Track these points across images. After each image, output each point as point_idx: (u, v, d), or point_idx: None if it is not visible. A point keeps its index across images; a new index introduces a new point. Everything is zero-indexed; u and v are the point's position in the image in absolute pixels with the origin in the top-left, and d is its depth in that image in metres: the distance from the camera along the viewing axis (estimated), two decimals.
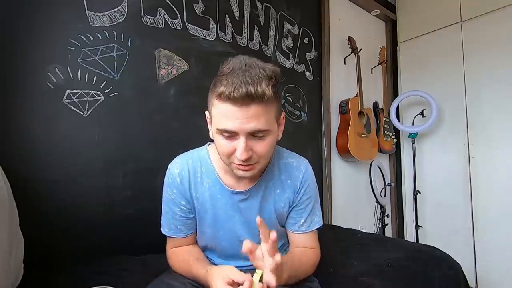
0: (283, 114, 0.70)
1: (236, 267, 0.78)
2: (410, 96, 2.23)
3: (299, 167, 0.78)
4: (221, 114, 0.59)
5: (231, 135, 0.60)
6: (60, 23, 1.07)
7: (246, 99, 0.56)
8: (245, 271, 0.78)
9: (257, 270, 0.57)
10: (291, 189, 0.77)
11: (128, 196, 1.16)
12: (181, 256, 0.75)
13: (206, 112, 0.68)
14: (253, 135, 0.60)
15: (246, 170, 0.64)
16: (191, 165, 0.76)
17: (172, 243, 0.79)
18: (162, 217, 0.79)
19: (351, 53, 2.12)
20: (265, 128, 0.60)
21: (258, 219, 0.55)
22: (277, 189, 0.77)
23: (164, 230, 0.78)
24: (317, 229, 0.80)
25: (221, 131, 0.61)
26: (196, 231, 0.80)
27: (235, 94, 0.55)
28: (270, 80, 0.59)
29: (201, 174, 0.75)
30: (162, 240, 0.81)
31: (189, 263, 0.71)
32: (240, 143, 0.60)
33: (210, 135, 0.69)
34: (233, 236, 0.77)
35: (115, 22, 1.18)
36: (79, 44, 1.10)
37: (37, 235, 0.93)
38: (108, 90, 1.15)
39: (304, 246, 0.78)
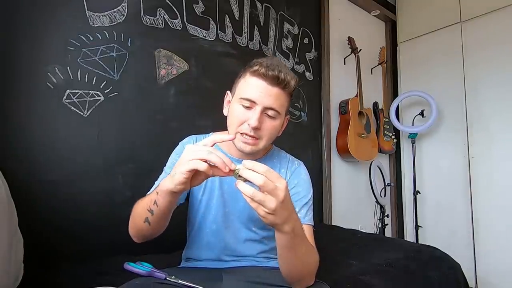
0: (288, 116, 0.81)
1: (230, 267, 0.79)
2: (410, 96, 2.23)
3: (294, 162, 0.87)
4: (250, 85, 0.71)
5: (250, 105, 0.71)
6: (60, 23, 1.07)
7: (274, 80, 0.69)
8: (238, 269, 0.77)
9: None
10: (283, 177, 0.80)
11: (128, 196, 1.16)
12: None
13: (228, 91, 0.80)
14: (266, 112, 0.71)
15: (248, 144, 0.72)
16: (198, 138, 0.87)
17: None
18: (156, 182, 0.78)
19: (351, 53, 2.12)
20: (277, 109, 0.72)
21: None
22: None
23: (148, 193, 0.75)
24: (311, 228, 0.78)
25: (244, 99, 0.71)
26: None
27: (269, 73, 0.69)
28: (295, 80, 0.73)
29: None
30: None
31: (147, 196, 0.70)
32: (255, 112, 0.70)
33: (224, 112, 0.80)
34: (222, 208, 0.80)
35: (115, 22, 1.18)
36: (79, 44, 1.10)
37: (37, 236, 0.94)
38: (108, 90, 1.15)
39: None
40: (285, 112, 0.76)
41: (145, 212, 0.64)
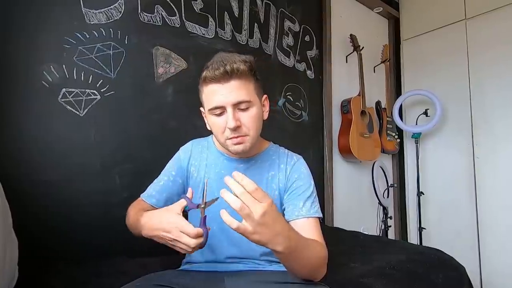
0: (265, 96, 0.81)
1: (232, 270, 0.80)
2: (414, 95, 2.23)
3: (292, 156, 0.88)
4: (209, 94, 0.72)
5: (220, 111, 0.72)
6: (56, 20, 1.07)
7: (225, 75, 0.69)
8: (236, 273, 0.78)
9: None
10: (282, 173, 0.84)
11: (125, 197, 1.16)
12: (140, 204, 0.83)
13: (201, 108, 0.80)
14: (238, 108, 0.72)
15: (238, 143, 0.74)
16: (196, 141, 0.90)
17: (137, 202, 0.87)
18: (150, 186, 0.87)
19: (353, 51, 2.12)
20: (247, 99, 0.72)
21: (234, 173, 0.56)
22: (272, 171, 0.84)
23: (142, 194, 0.86)
24: (318, 220, 0.79)
25: (212, 110, 0.72)
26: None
27: (216, 73, 0.69)
28: (245, 62, 0.71)
29: (202, 147, 0.88)
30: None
31: (140, 205, 0.81)
32: (228, 114, 0.71)
33: (208, 127, 0.80)
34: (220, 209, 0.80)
35: (112, 20, 1.18)
36: (74, 42, 1.10)
37: (32, 237, 0.94)
38: (104, 89, 1.15)
39: (310, 237, 0.77)
40: (257, 95, 0.76)
41: (139, 233, 0.71)
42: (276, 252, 0.58)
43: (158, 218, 0.65)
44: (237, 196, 0.53)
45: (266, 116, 0.81)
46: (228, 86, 0.70)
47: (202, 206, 0.64)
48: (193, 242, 0.60)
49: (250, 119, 0.73)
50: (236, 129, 0.71)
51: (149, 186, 0.87)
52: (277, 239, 0.56)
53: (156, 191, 0.84)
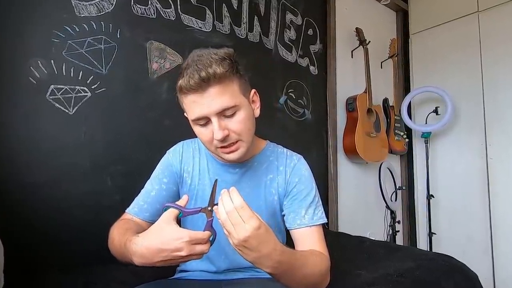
0: (253, 90, 0.77)
1: (230, 279, 0.80)
2: (423, 92, 2.23)
3: (292, 157, 0.85)
4: (189, 105, 0.68)
5: (205, 121, 0.68)
6: (43, 12, 1.07)
7: (202, 84, 0.64)
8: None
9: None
10: (282, 176, 0.82)
11: (117, 200, 1.16)
12: (126, 223, 0.78)
13: (185, 114, 0.75)
14: (223, 115, 0.68)
15: (231, 152, 0.71)
16: (186, 144, 0.87)
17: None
18: (140, 194, 0.83)
19: (359, 45, 2.12)
20: (231, 105, 0.67)
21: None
22: (270, 174, 0.82)
23: (128, 209, 0.81)
24: (322, 226, 0.79)
25: (195, 121, 0.69)
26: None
27: (191, 83, 0.64)
28: (223, 61, 0.66)
29: (194, 150, 0.85)
30: None
31: (127, 225, 0.75)
32: (214, 124, 0.67)
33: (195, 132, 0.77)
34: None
35: (103, 12, 1.18)
36: (64, 36, 1.09)
37: (19, 243, 0.94)
38: (95, 85, 1.15)
39: (312, 248, 0.77)
40: (243, 95, 0.71)
41: (127, 261, 0.66)
42: (265, 272, 0.59)
43: (156, 239, 0.58)
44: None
45: (258, 113, 0.77)
46: (208, 94, 0.65)
47: (209, 208, 0.62)
48: (207, 247, 0.58)
49: (239, 124, 0.69)
50: (224, 139, 0.68)
51: (136, 199, 0.82)
52: (263, 261, 0.57)
53: (147, 203, 0.79)
